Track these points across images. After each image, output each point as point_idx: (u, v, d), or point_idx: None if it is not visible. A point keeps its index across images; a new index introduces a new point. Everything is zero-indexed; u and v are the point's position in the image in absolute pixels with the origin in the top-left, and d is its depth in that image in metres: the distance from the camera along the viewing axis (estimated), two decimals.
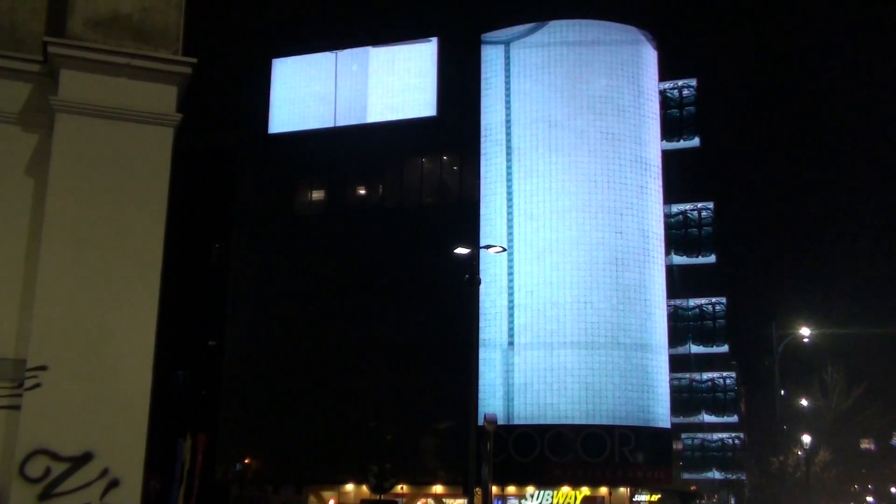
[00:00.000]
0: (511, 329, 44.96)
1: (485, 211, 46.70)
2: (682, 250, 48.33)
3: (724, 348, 49.30)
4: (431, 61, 49.26)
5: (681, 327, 47.62)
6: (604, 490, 44.20)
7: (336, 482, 47.01)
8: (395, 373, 46.04)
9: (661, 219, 47.14)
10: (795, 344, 44.59)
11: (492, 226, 46.13)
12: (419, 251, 47.00)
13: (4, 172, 9.61)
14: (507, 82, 47.56)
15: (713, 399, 47.37)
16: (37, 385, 8.91)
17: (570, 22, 48.87)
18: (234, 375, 49.68)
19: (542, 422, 43.69)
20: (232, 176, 52.53)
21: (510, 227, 45.95)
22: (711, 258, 49.49)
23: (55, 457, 8.80)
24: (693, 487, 50.80)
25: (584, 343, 44.19)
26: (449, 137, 48.44)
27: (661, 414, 45.30)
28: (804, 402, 49.48)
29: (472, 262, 32.07)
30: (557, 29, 48.10)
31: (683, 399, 47.16)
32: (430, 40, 49.71)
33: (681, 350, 49.12)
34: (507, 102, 47.39)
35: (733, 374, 49.19)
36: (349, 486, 46.64)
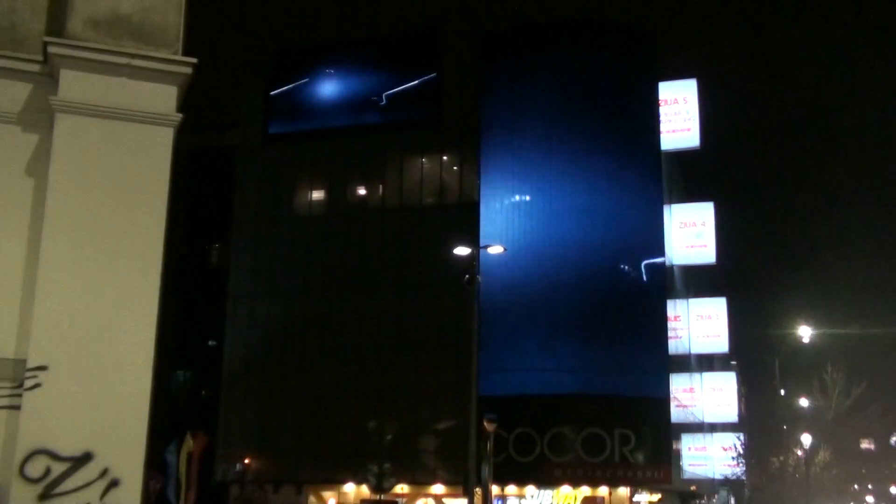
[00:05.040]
0: (510, 328, 44.91)
1: (485, 211, 46.69)
2: None
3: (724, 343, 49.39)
4: (432, 60, 49.28)
5: None
6: (604, 490, 44.20)
7: (336, 482, 47.02)
8: (395, 372, 46.06)
9: (661, 219, 47.14)
10: (795, 344, 44.49)
11: (492, 226, 46.11)
12: (419, 251, 46.99)
13: (4, 172, 9.61)
14: (507, 82, 47.52)
15: None
16: (37, 385, 8.91)
17: (571, 22, 48.95)
18: (234, 375, 49.69)
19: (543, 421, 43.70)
20: (232, 176, 52.54)
21: (510, 226, 45.91)
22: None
23: (55, 457, 8.80)
24: (693, 487, 50.81)
25: (585, 343, 44.18)
26: (449, 137, 48.45)
27: (661, 413, 45.27)
28: (804, 402, 49.44)
29: (472, 262, 32.02)
30: (558, 28, 48.12)
31: None
32: (431, 40, 49.74)
33: (681, 350, 49.18)
34: (508, 102, 47.36)
35: None
36: (349, 486, 46.64)
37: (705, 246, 49.89)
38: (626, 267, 45.22)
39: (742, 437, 47.41)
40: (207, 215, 54.00)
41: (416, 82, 49.30)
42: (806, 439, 44.24)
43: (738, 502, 49.75)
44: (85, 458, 8.85)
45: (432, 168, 49.91)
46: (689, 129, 49.37)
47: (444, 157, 49.84)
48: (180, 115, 9.92)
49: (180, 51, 10.07)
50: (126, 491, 8.91)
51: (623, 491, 44.48)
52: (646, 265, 45.74)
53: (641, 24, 49.30)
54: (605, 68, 47.17)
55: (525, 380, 43.96)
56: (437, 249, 43.71)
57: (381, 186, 50.44)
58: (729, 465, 47.41)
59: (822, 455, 46.87)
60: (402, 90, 49.45)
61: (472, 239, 42.40)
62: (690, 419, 48.73)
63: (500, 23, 49.57)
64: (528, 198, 46.05)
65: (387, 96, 49.71)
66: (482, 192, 46.95)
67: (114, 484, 8.88)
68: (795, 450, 46.99)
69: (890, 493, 63.59)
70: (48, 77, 9.74)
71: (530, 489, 44.72)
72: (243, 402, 48.98)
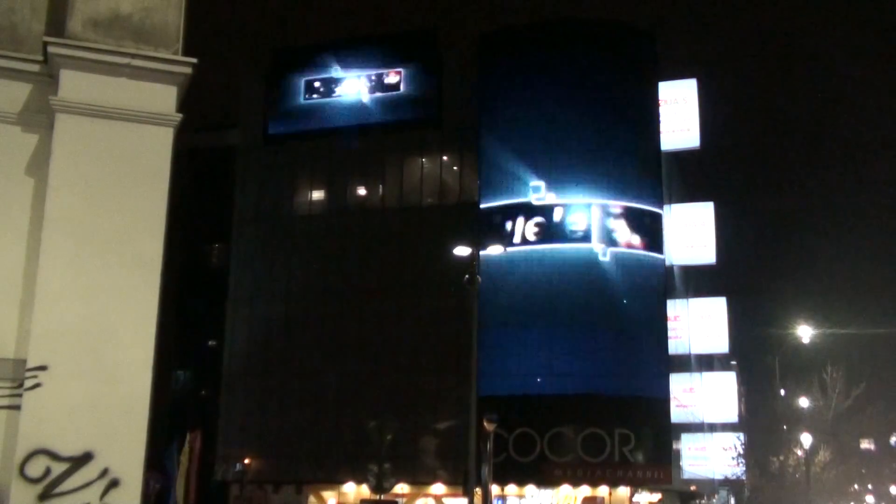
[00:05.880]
0: (510, 328, 44.89)
1: (485, 211, 46.64)
2: None
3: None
4: (432, 61, 49.27)
5: None
6: (604, 490, 44.20)
7: (336, 482, 47.02)
8: (395, 373, 46.06)
9: (661, 219, 47.14)
10: (795, 344, 44.49)
11: (492, 226, 46.08)
12: (419, 251, 46.99)
13: (4, 172, 9.61)
14: (507, 82, 47.49)
15: None
16: (37, 385, 8.91)
17: (571, 21, 48.96)
18: (234, 375, 49.70)
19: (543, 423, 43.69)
20: (232, 176, 52.54)
21: (511, 226, 45.87)
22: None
23: (55, 457, 8.81)
24: (693, 487, 50.80)
25: (585, 343, 44.18)
26: (449, 137, 48.45)
27: (661, 413, 45.26)
28: (804, 402, 49.43)
29: (472, 262, 32.01)
30: (558, 28, 48.11)
31: None
32: (431, 40, 49.74)
33: (681, 350, 49.17)
34: (508, 102, 47.34)
35: None
36: (349, 486, 46.64)
37: (705, 246, 49.87)
38: (626, 267, 45.19)
39: (742, 437, 47.37)
40: (207, 215, 53.98)
41: (416, 82, 49.27)
42: (806, 439, 44.23)
43: (738, 502, 49.71)
44: (85, 458, 8.86)
45: (432, 168, 49.90)
46: (689, 129, 49.35)
47: (444, 157, 49.83)
48: (180, 115, 9.93)
49: (180, 51, 10.08)
50: (126, 491, 8.91)
51: (623, 491, 44.47)
52: (645, 265, 45.72)
53: (641, 24, 49.25)
54: (605, 68, 47.14)
55: (525, 380, 43.99)
56: (437, 249, 43.70)
57: (381, 186, 50.42)
58: (729, 465, 47.35)
59: (822, 455, 46.84)
60: (402, 90, 49.44)
61: (472, 239, 42.39)
62: (690, 419, 48.72)
63: (500, 23, 49.62)
64: (527, 198, 46.00)
65: (386, 96, 49.71)
66: (482, 192, 46.95)
67: (114, 484, 8.89)
68: (795, 450, 46.96)
69: (890, 493, 63.59)
70: (48, 77, 9.75)
71: (530, 489, 44.72)
72: (243, 402, 48.98)
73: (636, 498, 44.85)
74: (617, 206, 45.54)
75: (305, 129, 50.73)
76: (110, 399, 9.07)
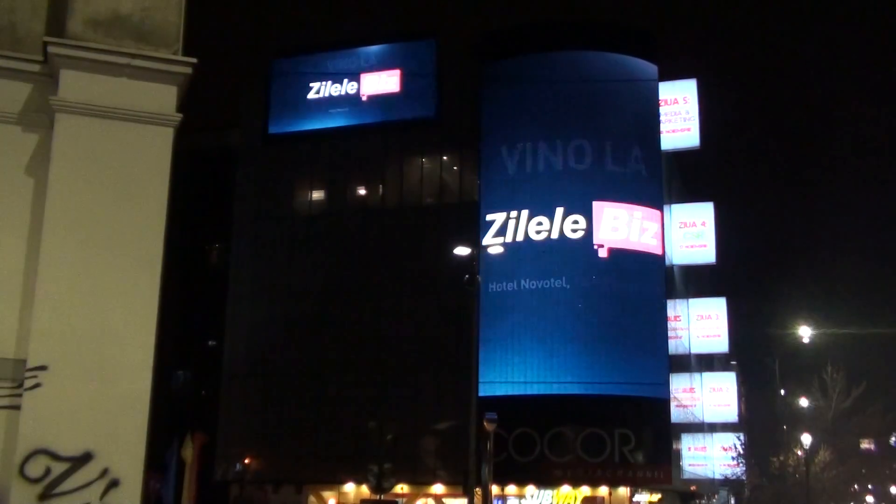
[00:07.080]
0: (511, 328, 44.89)
1: (485, 211, 46.67)
2: None
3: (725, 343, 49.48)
4: (431, 61, 49.27)
5: None
6: (604, 490, 44.19)
7: (336, 482, 47.01)
8: (395, 372, 46.05)
9: (661, 219, 47.13)
10: (795, 344, 44.55)
11: (492, 226, 46.08)
12: (419, 251, 46.99)
13: (4, 172, 9.61)
14: (507, 82, 47.49)
15: None
16: (37, 385, 8.92)
17: (571, 22, 48.99)
18: (234, 375, 49.70)
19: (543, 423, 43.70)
20: (232, 176, 52.54)
21: (511, 226, 45.87)
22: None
23: (55, 457, 8.81)
24: (693, 487, 50.83)
25: (585, 343, 44.17)
26: (449, 137, 48.45)
27: (661, 413, 45.26)
28: (804, 402, 49.46)
29: (472, 262, 32.04)
30: (558, 29, 48.12)
31: None
32: (431, 40, 49.72)
33: (681, 350, 49.18)
34: (508, 102, 47.34)
35: None
36: (349, 486, 46.63)
37: (705, 246, 49.89)
38: (626, 267, 45.18)
39: (742, 437, 47.41)
40: (207, 215, 53.97)
41: (415, 82, 49.24)
42: (806, 439, 44.26)
43: (738, 502, 49.78)
44: (85, 458, 8.86)
45: (432, 168, 49.89)
46: (689, 129, 49.37)
47: (444, 157, 49.83)
48: (180, 115, 9.93)
49: (180, 51, 10.08)
50: (126, 491, 8.91)
51: (623, 491, 44.47)
52: (646, 265, 45.72)
53: (641, 25, 49.27)
54: (605, 68, 47.13)
55: (525, 380, 43.97)
56: (437, 249, 43.70)
57: (381, 186, 50.42)
58: (729, 465, 47.42)
59: (822, 455, 46.85)
60: (402, 90, 49.42)
61: (472, 239, 42.40)
62: (690, 419, 48.73)
63: (500, 23, 49.61)
64: (527, 198, 46.00)
65: (386, 96, 49.68)
66: (482, 192, 46.96)
67: (114, 484, 8.89)
68: (795, 450, 46.99)
69: (890, 493, 63.63)
70: (48, 77, 9.75)
71: (530, 489, 44.72)
72: (243, 402, 48.97)
73: (636, 498, 44.86)
74: (617, 205, 45.53)
75: (305, 129, 50.73)
76: (110, 399, 9.07)
